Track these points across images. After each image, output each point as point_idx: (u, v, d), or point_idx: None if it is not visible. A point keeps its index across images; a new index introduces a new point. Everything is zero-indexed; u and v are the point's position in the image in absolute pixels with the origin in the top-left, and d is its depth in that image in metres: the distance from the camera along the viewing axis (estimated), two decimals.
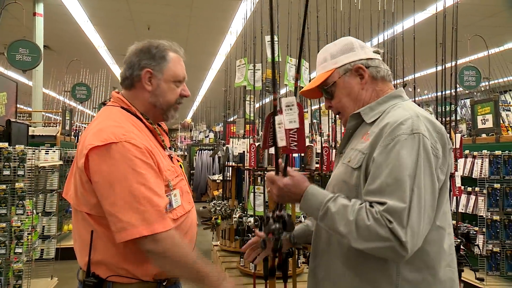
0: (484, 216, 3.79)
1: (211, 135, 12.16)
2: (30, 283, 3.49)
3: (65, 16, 7.50)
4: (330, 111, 2.95)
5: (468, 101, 5.67)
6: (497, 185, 3.73)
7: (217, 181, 7.38)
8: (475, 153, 4.03)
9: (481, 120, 4.12)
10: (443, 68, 2.70)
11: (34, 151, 3.66)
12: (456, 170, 2.51)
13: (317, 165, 2.76)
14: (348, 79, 1.27)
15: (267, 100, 3.34)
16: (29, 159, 3.49)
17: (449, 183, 1.25)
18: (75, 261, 1.35)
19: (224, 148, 4.17)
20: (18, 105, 4.56)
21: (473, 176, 3.99)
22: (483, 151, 3.91)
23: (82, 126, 8.37)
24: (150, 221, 1.20)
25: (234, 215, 3.01)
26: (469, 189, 4.09)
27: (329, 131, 2.93)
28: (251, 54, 3.24)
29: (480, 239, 3.76)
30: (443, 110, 2.97)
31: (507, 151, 3.77)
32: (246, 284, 2.74)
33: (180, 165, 1.50)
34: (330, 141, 2.83)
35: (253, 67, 3.10)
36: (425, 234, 1.06)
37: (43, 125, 7.18)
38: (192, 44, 9.20)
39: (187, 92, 1.48)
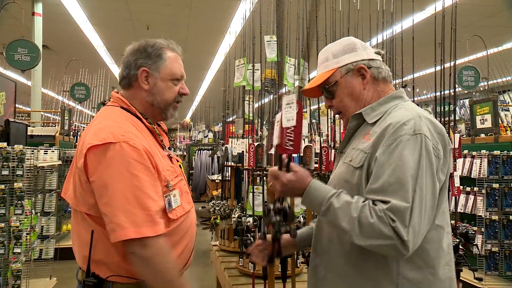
0: (483, 216, 3.79)
1: (210, 135, 12.16)
2: (29, 283, 3.49)
3: (64, 15, 7.49)
4: (329, 111, 2.96)
5: (467, 101, 5.67)
6: (495, 185, 3.74)
7: (216, 181, 7.37)
8: (474, 153, 4.04)
9: (480, 120, 4.13)
10: (442, 68, 2.70)
11: (33, 151, 3.66)
12: (455, 170, 2.51)
13: (316, 165, 2.76)
14: (350, 78, 1.28)
15: (266, 100, 3.34)
16: (27, 159, 3.49)
17: (448, 183, 1.26)
18: (74, 261, 1.35)
19: (223, 148, 4.17)
20: (17, 105, 4.55)
21: (472, 176, 4.00)
22: (482, 151, 3.91)
23: (81, 126, 8.37)
24: (138, 224, 1.19)
25: (233, 215, 3.00)
26: (468, 189, 4.10)
27: (328, 131, 2.93)
28: (250, 54, 3.23)
29: (478, 239, 3.77)
30: (442, 110, 2.97)
31: (505, 151, 3.77)
32: (245, 284, 2.74)
33: (180, 165, 1.49)
34: (329, 141, 2.83)
35: (252, 67, 3.10)
36: (424, 233, 1.08)
37: (42, 125, 7.17)
38: (191, 44, 9.19)
39: (186, 90, 1.47)
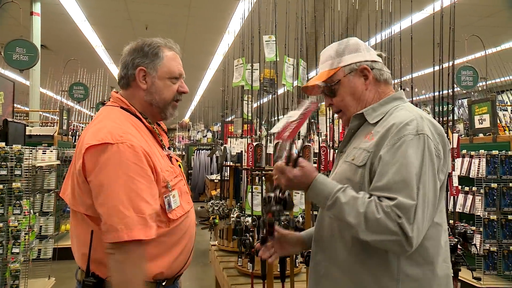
0: (481, 216, 3.80)
1: (209, 134, 12.15)
2: (27, 283, 3.48)
3: (62, 15, 7.48)
4: (328, 111, 2.96)
5: (465, 101, 5.68)
6: (494, 185, 3.74)
7: (215, 180, 7.37)
8: (472, 152, 4.04)
9: (478, 120, 4.14)
10: (441, 68, 2.70)
11: (31, 151, 3.65)
12: (453, 169, 2.52)
13: (315, 165, 2.76)
14: (353, 78, 1.29)
15: (265, 100, 3.34)
16: (26, 159, 3.48)
17: (447, 183, 1.29)
18: (72, 261, 1.35)
19: (222, 147, 4.17)
20: (15, 105, 4.54)
21: (470, 176, 4.01)
22: (480, 150, 3.92)
23: (80, 126, 8.36)
24: (130, 227, 1.18)
25: (232, 215, 3.01)
26: (466, 188, 4.10)
27: (326, 130, 2.93)
28: (249, 54, 3.23)
29: (477, 239, 3.77)
30: (441, 110, 2.98)
31: (504, 151, 3.78)
32: (244, 284, 2.74)
33: (179, 165, 1.49)
34: (328, 141, 2.84)
35: (251, 67, 3.10)
36: (425, 231, 1.10)
37: (41, 124, 7.16)
38: (190, 44, 9.19)
39: (185, 88, 1.46)
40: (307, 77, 3.07)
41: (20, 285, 3.38)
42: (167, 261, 1.33)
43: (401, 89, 3.03)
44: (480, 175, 3.86)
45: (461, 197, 4.12)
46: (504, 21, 7.65)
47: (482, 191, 3.80)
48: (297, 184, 1.21)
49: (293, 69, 2.96)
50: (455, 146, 2.57)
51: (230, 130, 5.25)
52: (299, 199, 2.61)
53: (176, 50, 1.46)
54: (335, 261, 1.23)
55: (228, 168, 3.92)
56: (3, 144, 3.38)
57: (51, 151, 4.33)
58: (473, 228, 3.73)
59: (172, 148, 12.87)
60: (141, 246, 1.21)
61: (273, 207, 1.25)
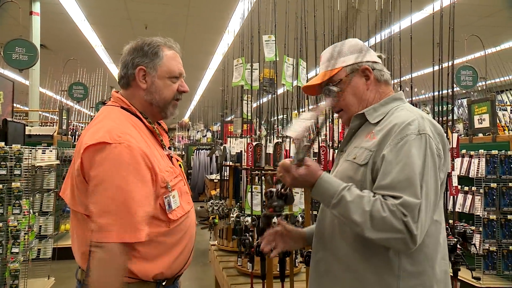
0: (481, 216, 3.80)
1: (209, 134, 12.14)
2: (27, 283, 3.48)
3: (62, 15, 7.47)
4: (327, 111, 2.96)
5: (465, 101, 5.69)
6: (493, 185, 3.75)
7: (215, 180, 7.37)
8: (472, 152, 4.04)
9: (478, 119, 4.14)
10: (440, 67, 2.70)
11: (31, 150, 3.65)
12: (453, 169, 2.52)
13: None
14: (354, 78, 1.31)
15: (265, 99, 3.34)
16: (25, 158, 3.48)
17: (446, 182, 1.30)
18: (72, 260, 1.35)
19: (222, 147, 4.17)
20: (14, 104, 4.54)
21: (470, 176, 4.01)
22: (480, 150, 3.92)
23: (79, 126, 8.35)
24: (120, 229, 1.18)
25: (231, 215, 3.01)
26: (466, 188, 4.11)
27: (326, 130, 2.93)
28: (248, 53, 3.23)
29: (476, 238, 3.77)
30: (440, 110, 2.98)
31: (503, 151, 3.78)
32: (244, 283, 2.74)
33: (180, 165, 1.49)
34: (328, 141, 2.84)
35: (250, 66, 3.10)
36: (427, 228, 1.12)
37: (40, 124, 7.16)
38: (189, 44, 9.18)
39: (185, 87, 1.46)
40: (307, 77, 3.07)
41: (20, 285, 3.38)
42: (167, 261, 1.33)
43: (400, 89, 3.04)
44: (479, 175, 3.86)
45: (460, 196, 4.12)
46: (504, 21, 7.65)
47: (481, 191, 3.80)
48: (302, 182, 1.22)
49: (293, 69, 2.96)
50: (454, 146, 2.57)
51: (229, 130, 5.25)
52: (298, 198, 2.61)
53: (176, 49, 1.46)
54: (336, 259, 1.24)
55: (228, 168, 3.92)
56: (2, 143, 3.38)
57: (51, 151, 4.33)
58: (473, 227, 3.73)
59: (173, 148, 12.85)
60: (127, 248, 1.20)
61: (275, 202, 1.27)
